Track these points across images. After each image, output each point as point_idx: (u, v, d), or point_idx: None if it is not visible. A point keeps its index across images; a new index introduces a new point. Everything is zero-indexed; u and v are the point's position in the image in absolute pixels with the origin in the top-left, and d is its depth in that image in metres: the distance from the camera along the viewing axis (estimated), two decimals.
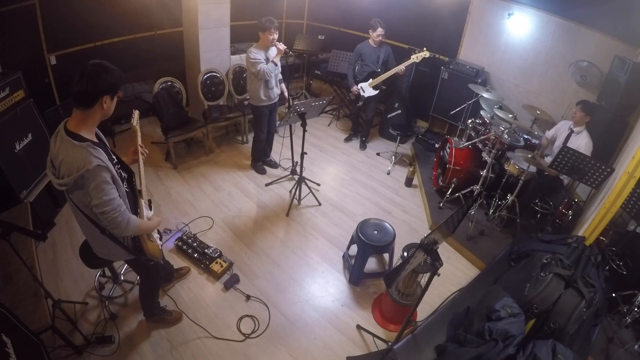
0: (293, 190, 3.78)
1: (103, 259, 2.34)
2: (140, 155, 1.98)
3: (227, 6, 4.30)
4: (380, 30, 4.13)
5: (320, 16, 6.33)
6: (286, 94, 3.95)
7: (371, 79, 4.33)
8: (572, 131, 3.34)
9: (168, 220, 3.36)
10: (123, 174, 1.78)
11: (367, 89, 4.38)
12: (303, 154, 3.52)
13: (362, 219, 2.94)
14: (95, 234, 1.70)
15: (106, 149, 1.68)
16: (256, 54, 3.42)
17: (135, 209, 1.86)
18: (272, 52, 3.55)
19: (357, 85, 4.40)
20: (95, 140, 1.59)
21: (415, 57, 4.03)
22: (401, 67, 4.11)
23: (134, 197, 1.89)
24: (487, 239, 3.38)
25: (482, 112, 3.90)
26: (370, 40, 4.30)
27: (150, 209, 2.00)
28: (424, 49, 4.05)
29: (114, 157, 1.76)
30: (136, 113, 2.14)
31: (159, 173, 4.01)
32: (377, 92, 4.39)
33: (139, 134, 2.06)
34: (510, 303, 2.07)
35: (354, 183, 4.18)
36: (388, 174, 4.41)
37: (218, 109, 4.45)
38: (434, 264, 1.75)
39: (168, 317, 2.48)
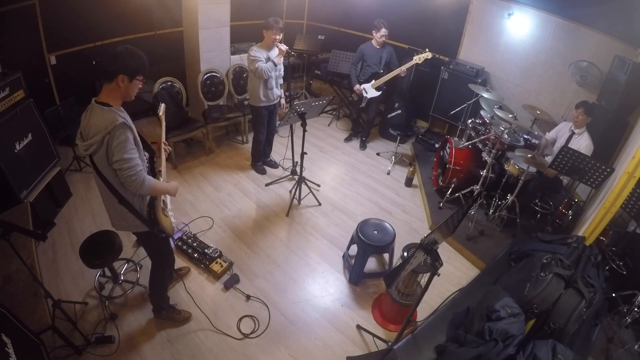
0: (293, 190, 3.78)
1: (103, 260, 2.36)
2: (163, 151, 2.17)
3: (227, 6, 4.30)
4: (384, 31, 4.13)
5: (320, 16, 6.33)
6: (283, 100, 3.93)
7: (374, 80, 4.32)
8: (573, 133, 3.34)
9: None
10: (145, 153, 1.93)
11: (369, 90, 4.38)
12: (303, 154, 3.52)
13: (362, 219, 2.94)
14: (114, 203, 1.82)
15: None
16: (257, 52, 3.43)
17: None
18: (274, 52, 3.55)
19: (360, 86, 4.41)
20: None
21: (418, 58, 4.02)
22: (402, 69, 4.11)
23: (153, 175, 1.99)
24: (487, 239, 3.38)
25: (482, 112, 3.89)
26: (373, 41, 4.30)
27: None
28: (426, 50, 4.04)
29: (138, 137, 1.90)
30: (162, 106, 2.39)
31: None
32: (379, 93, 4.39)
33: (163, 124, 2.30)
34: (510, 303, 2.07)
35: (354, 183, 4.18)
36: (388, 174, 4.41)
37: (218, 109, 4.45)
38: (434, 264, 1.75)
39: (177, 316, 2.48)
